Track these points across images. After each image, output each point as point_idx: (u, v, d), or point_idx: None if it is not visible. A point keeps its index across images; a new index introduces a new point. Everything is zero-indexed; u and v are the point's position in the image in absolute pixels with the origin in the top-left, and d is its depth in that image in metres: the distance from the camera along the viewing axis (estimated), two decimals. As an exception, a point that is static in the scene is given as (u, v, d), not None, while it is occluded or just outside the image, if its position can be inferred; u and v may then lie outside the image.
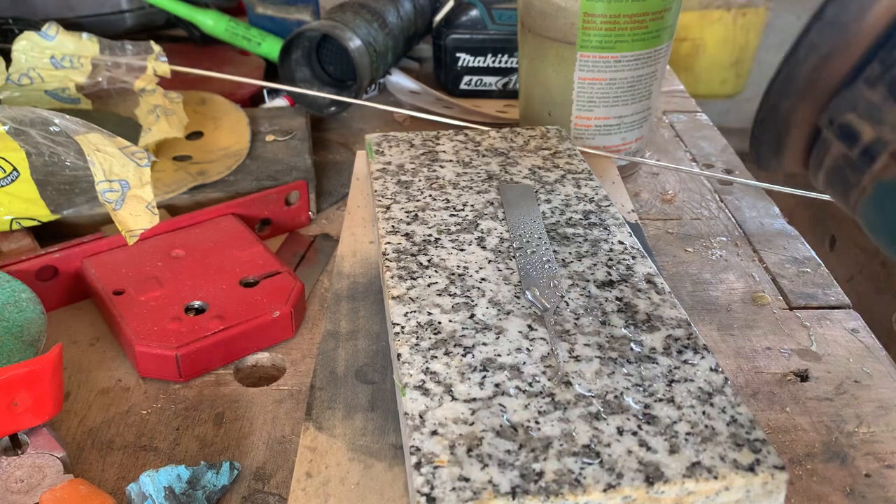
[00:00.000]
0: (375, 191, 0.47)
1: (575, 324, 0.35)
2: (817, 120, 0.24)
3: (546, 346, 0.34)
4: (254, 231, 0.52)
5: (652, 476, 0.28)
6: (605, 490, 0.27)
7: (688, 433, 0.30)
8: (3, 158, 0.48)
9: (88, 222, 0.52)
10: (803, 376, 0.43)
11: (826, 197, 0.47)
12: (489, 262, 0.40)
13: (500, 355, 0.33)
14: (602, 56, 0.55)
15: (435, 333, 0.35)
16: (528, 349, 0.34)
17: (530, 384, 0.32)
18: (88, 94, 0.63)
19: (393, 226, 0.43)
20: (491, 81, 0.78)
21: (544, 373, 0.32)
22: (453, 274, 0.39)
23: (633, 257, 0.40)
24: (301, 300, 0.46)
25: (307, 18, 0.80)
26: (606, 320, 0.36)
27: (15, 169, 0.49)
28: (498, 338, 0.34)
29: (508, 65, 0.77)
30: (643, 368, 0.33)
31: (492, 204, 0.45)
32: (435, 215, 0.44)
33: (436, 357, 0.33)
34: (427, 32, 0.85)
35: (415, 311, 0.36)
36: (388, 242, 0.41)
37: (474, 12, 0.76)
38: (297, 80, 0.70)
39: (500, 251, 0.41)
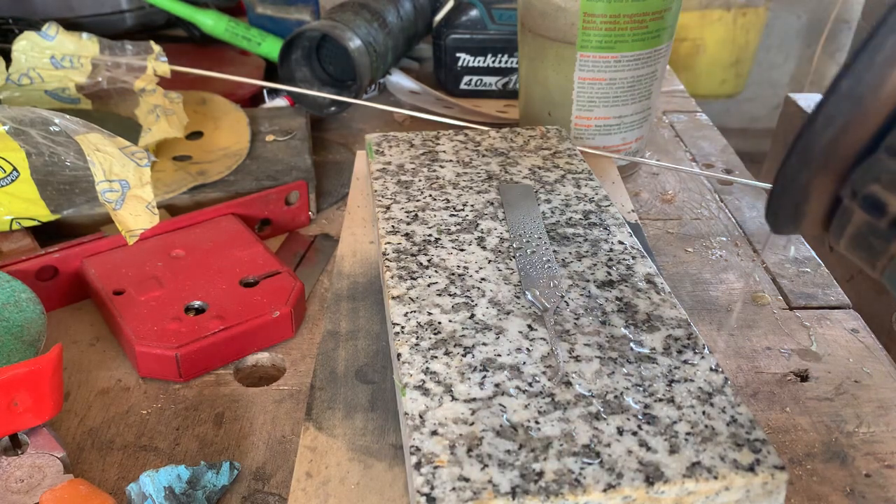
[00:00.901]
0: (375, 191, 0.47)
1: (575, 324, 0.35)
2: (838, 190, 0.24)
3: (546, 346, 0.34)
4: (254, 231, 0.52)
5: (652, 476, 0.28)
6: (605, 490, 0.27)
7: (688, 433, 0.30)
8: (3, 158, 0.48)
9: (88, 222, 0.52)
10: (803, 376, 0.43)
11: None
12: (489, 262, 0.40)
13: (500, 355, 0.33)
14: (602, 56, 0.55)
15: (435, 333, 0.35)
16: (528, 349, 0.34)
17: (530, 384, 0.32)
18: (88, 94, 0.63)
19: (393, 226, 0.43)
20: (491, 81, 0.78)
21: (544, 373, 0.32)
22: (453, 274, 0.39)
23: (633, 257, 0.40)
24: (301, 300, 0.46)
25: (307, 18, 0.80)
26: (606, 320, 0.36)
27: (15, 169, 0.49)
28: (498, 338, 0.34)
29: (508, 65, 0.77)
30: (643, 368, 0.33)
31: (492, 204, 0.45)
32: (435, 215, 0.44)
33: (436, 357, 0.33)
34: (427, 32, 0.85)
35: (415, 311, 0.36)
36: (388, 242, 0.41)
37: (474, 12, 0.76)
38: (297, 80, 0.70)
39: (500, 251, 0.41)
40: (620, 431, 0.30)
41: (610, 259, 0.40)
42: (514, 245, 0.41)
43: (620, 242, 0.42)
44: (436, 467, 0.28)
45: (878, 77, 0.22)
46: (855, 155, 0.23)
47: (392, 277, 0.39)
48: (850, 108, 0.22)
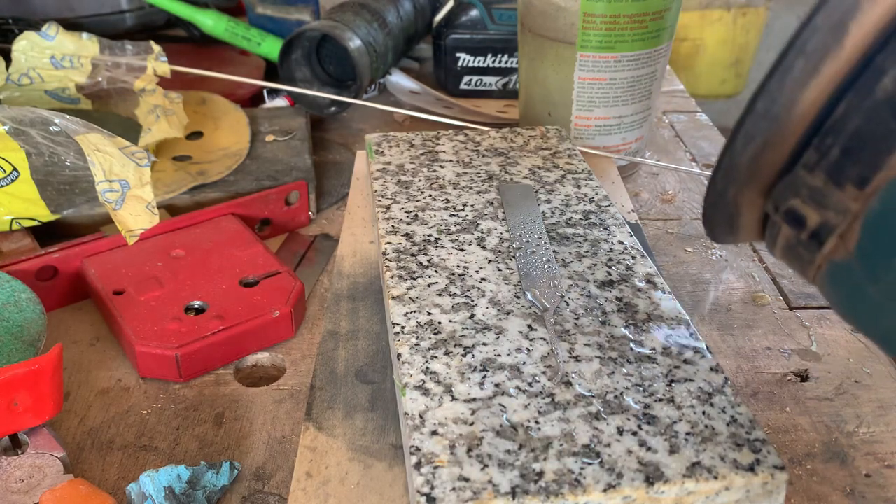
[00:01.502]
0: (375, 191, 0.47)
1: (575, 324, 0.35)
2: (763, 205, 0.25)
3: (546, 346, 0.34)
4: (254, 231, 0.52)
5: (652, 476, 0.28)
6: (605, 490, 0.27)
7: (688, 433, 0.30)
8: (3, 158, 0.48)
9: (88, 222, 0.52)
10: (803, 376, 0.43)
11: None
12: (489, 262, 0.40)
13: (500, 355, 0.33)
14: (602, 56, 0.55)
15: (435, 333, 0.35)
16: (528, 349, 0.34)
17: (530, 384, 0.32)
18: (88, 94, 0.63)
19: (393, 226, 0.43)
20: (491, 81, 0.78)
21: (544, 373, 0.32)
22: (453, 274, 0.39)
23: (633, 257, 0.40)
24: (301, 300, 0.46)
25: (307, 18, 0.80)
26: (606, 320, 0.36)
27: (15, 169, 0.49)
28: (498, 338, 0.34)
29: (508, 65, 0.77)
30: (643, 368, 0.33)
31: (492, 204, 0.45)
32: (435, 215, 0.44)
33: (436, 357, 0.33)
34: (427, 32, 0.85)
35: (415, 311, 0.36)
36: (388, 242, 0.41)
37: (474, 12, 0.76)
38: (297, 80, 0.70)
39: (500, 251, 0.41)
40: (620, 431, 0.30)
41: (610, 259, 0.40)
42: (514, 245, 0.41)
43: (620, 242, 0.42)
44: (436, 467, 0.28)
45: (790, 98, 0.22)
46: (777, 171, 0.24)
47: (392, 277, 0.39)
48: (766, 127, 0.23)
